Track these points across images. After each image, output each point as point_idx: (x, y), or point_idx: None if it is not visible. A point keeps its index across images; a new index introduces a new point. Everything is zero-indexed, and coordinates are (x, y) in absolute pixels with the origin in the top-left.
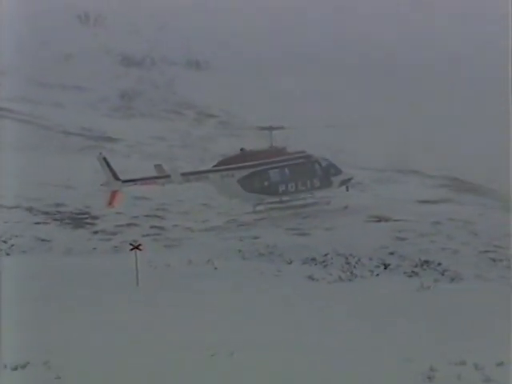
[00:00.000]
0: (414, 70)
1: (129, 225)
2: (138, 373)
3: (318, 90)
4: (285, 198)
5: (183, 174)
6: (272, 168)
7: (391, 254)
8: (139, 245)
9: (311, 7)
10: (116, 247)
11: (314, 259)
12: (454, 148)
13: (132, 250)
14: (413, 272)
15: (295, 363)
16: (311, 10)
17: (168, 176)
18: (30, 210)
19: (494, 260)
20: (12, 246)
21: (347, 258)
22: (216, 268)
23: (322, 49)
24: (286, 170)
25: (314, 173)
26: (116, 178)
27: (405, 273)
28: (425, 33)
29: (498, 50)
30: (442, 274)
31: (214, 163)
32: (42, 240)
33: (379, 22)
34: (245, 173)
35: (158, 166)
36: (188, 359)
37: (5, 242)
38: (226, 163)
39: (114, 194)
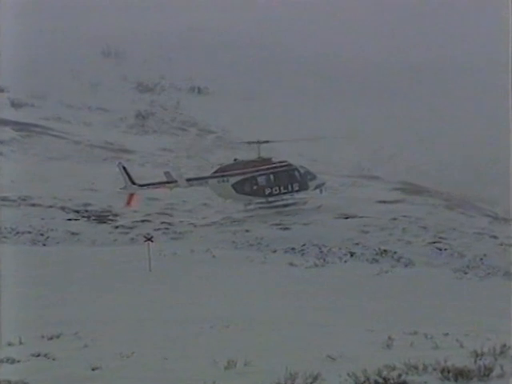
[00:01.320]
0: (388, 87)
1: (143, 221)
2: (150, 339)
3: (297, 108)
4: (270, 199)
5: (187, 180)
6: (260, 175)
7: (356, 244)
8: (151, 237)
9: (293, 42)
10: (133, 239)
11: (293, 249)
12: (409, 158)
13: (146, 241)
14: (374, 259)
15: (277, 333)
16: (295, 45)
17: (175, 181)
18: (63, 208)
19: (439, 249)
20: (47, 238)
21: (321, 248)
22: (214, 256)
23: (302, 74)
24: (271, 176)
25: (294, 178)
26: (133, 182)
27: (367, 260)
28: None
29: (487, 63)
30: (398, 261)
31: (213, 171)
32: (73, 233)
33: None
34: (237, 179)
35: (166, 173)
36: (191, 329)
37: (42, 234)
38: (222, 171)
39: (131, 196)
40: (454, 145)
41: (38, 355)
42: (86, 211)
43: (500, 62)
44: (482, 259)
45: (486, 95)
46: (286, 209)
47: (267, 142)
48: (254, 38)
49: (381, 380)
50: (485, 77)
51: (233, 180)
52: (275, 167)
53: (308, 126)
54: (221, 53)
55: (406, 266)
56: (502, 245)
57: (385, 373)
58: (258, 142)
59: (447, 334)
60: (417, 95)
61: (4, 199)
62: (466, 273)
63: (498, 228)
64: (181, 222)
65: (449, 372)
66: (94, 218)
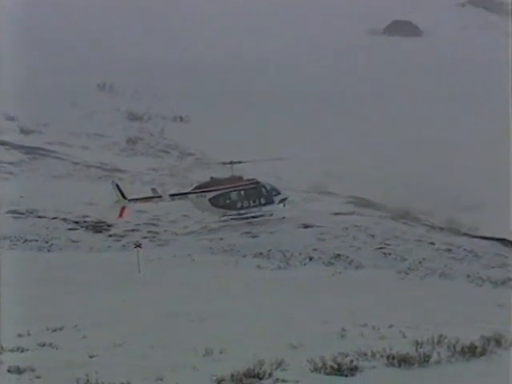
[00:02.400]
0: (350, 110)
1: (133, 230)
2: (139, 330)
3: (265, 133)
4: (241, 212)
5: (171, 195)
6: (232, 191)
7: (314, 250)
8: (140, 244)
9: (262, 73)
10: (124, 246)
11: (261, 254)
12: (360, 176)
13: (135, 247)
14: (329, 262)
15: (247, 325)
16: (264, 76)
17: (160, 196)
18: (64, 220)
19: (385, 254)
20: (51, 245)
21: (284, 253)
22: (193, 260)
23: (270, 102)
24: (242, 192)
25: (261, 194)
26: (124, 197)
27: (324, 263)
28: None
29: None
30: (350, 264)
31: (192, 187)
32: (73, 241)
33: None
34: (213, 194)
35: (153, 189)
36: (174, 322)
37: (46, 242)
38: (200, 187)
39: (122, 209)
40: (398, 164)
41: (44, 345)
42: (85, 222)
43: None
44: (421, 262)
45: (432, 115)
46: (255, 220)
47: (239, 162)
48: (228, 72)
49: (336, 365)
50: (432, 98)
51: (209, 195)
52: (245, 184)
53: (274, 147)
54: (200, 85)
55: (356, 268)
56: (438, 250)
57: (339, 359)
58: (231, 163)
59: (392, 326)
60: (371, 117)
61: (14, 212)
62: (407, 274)
63: (434, 235)
64: (165, 231)
65: (393, 358)
66: (91, 227)
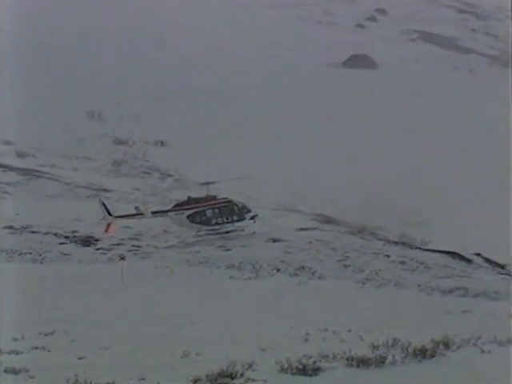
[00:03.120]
0: (314, 136)
1: (118, 244)
2: (123, 334)
3: (238, 155)
4: (215, 228)
5: (152, 212)
6: (208, 209)
7: (281, 261)
8: (124, 257)
9: (235, 97)
10: (110, 258)
11: (233, 265)
12: (322, 195)
13: (120, 260)
14: (295, 273)
15: (221, 329)
16: (237, 99)
17: (143, 213)
18: (56, 234)
19: (345, 266)
20: (44, 257)
21: (254, 265)
22: (172, 271)
23: (243, 126)
24: (216, 210)
25: (234, 211)
26: (110, 214)
27: (290, 273)
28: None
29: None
30: (313, 274)
31: (172, 205)
32: (64, 254)
33: None
34: (191, 212)
35: (136, 207)
36: (154, 327)
37: (40, 255)
38: (179, 205)
39: (108, 225)
40: (356, 185)
41: (37, 348)
42: (74, 237)
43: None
44: (377, 273)
45: (388, 139)
46: (228, 235)
47: (213, 183)
48: (202, 101)
49: (300, 366)
50: (388, 123)
51: (187, 213)
52: (219, 203)
53: (246, 169)
54: (178, 114)
55: (319, 278)
56: (392, 262)
57: (303, 361)
58: (207, 183)
59: (351, 331)
60: (332, 142)
61: (10, 228)
62: (365, 283)
63: (389, 249)
64: (147, 245)
65: (352, 360)
66: (80, 242)
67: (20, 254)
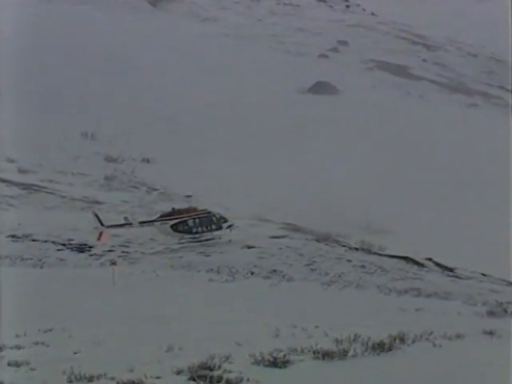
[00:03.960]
0: (284, 153)
1: (109, 251)
2: (115, 331)
3: (218, 171)
4: (196, 236)
5: (140, 222)
6: (189, 219)
7: (255, 266)
8: (115, 262)
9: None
10: (102, 263)
11: (212, 269)
12: (292, 207)
13: (111, 265)
14: (267, 276)
15: (201, 327)
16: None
17: (131, 223)
18: (54, 242)
19: (312, 269)
20: (44, 263)
21: (231, 269)
22: (158, 275)
23: (225, 141)
24: (197, 220)
25: (212, 221)
26: (102, 224)
27: (263, 276)
28: None
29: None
30: (283, 277)
31: (157, 216)
32: (61, 259)
33: None
34: (174, 221)
35: (125, 218)
36: (142, 324)
37: (40, 260)
38: (164, 216)
39: (101, 233)
40: (321, 198)
41: (37, 343)
42: (70, 244)
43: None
44: (340, 276)
45: (351, 156)
46: (207, 242)
47: (191, 196)
48: (184, 123)
49: (272, 359)
50: (350, 143)
51: (171, 222)
52: (200, 213)
53: (223, 183)
54: (163, 134)
55: (288, 280)
56: (354, 266)
57: (275, 354)
58: (188, 196)
59: (317, 327)
60: (301, 159)
61: (13, 236)
62: (329, 285)
63: (351, 254)
64: (135, 251)
65: (318, 353)
66: (75, 248)
67: (22, 260)
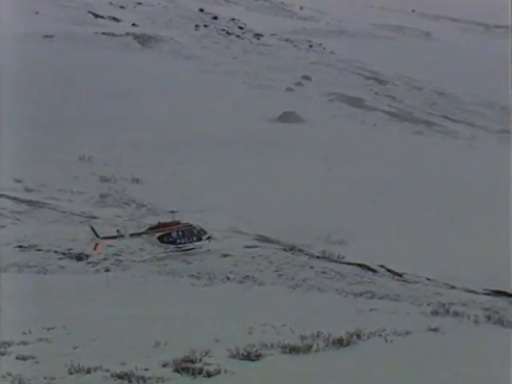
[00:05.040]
0: (258, 171)
1: (104, 259)
2: (109, 328)
3: (198, 190)
4: (179, 246)
5: (130, 234)
6: (173, 231)
7: (231, 272)
8: (109, 269)
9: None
10: (97, 270)
11: (193, 275)
12: (262, 220)
13: (105, 271)
14: (241, 281)
15: (183, 325)
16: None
17: (123, 235)
18: (55, 252)
19: (279, 275)
20: (47, 270)
21: (209, 275)
22: (146, 279)
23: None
24: (180, 232)
25: (193, 233)
26: (97, 236)
27: (237, 281)
28: None
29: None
30: (255, 282)
31: (146, 228)
32: (62, 267)
33: None
34: (160, 234)
35: (118, 230)
36: (132, 323)
37: (43, 267)
38: (151, 229)
39: (96, 244)
40: (285, 212)
41: (41, 340)
42: (70, 253)
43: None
44: (304, 280)
45: (311, 174)
46: (189, 252)
47: (177, 211)
48: (166, 149)
49: (246, 353)
50: (311, 162)
51: (157, 234)
52: (182, 227)
53: (204, 199)
54: (150, 159)
55: (259, 285)
56: (316, 272)
57: (248, 349)
58: (172, 211)
59: (285, 325)
60: (270, 177)
61: (20, 247)
62: (295, 289)
63: (313, 262)
64: (126, 259)
65: (286, 348)
66: (74, 257)
67: (28, 267)
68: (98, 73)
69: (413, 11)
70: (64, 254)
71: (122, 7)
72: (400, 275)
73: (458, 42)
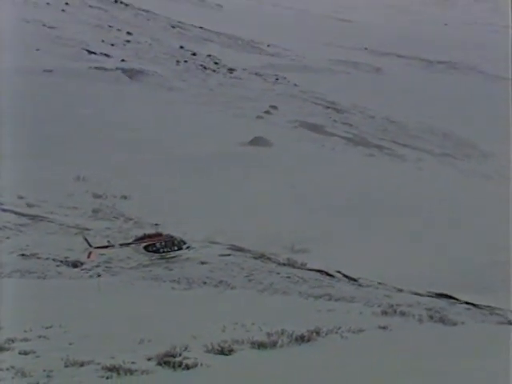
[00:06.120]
0: (231, 187)
1: (96, 266)
2: (100, 327)
3: (177, 206)
4: (162, 255)
5: (120, 244)
6: (157, 242)
7: (207, 277)
8: (100, 275)
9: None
10: (91, 276)
11: (174, 280)
12: (235, 232)
13: (97, 277)
14: (216, 285)
15: (165, 324)
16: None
17: (113, 245)
18: (54, 260)
19: (250, 280)
20: (46, 275)
21: (188, 280)
22: (133, 284)
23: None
24: (163, 242)
25: (174, 243)
26: (90, 245)
27: (213, 285)
28: None
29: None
30: (228, 286)
31: (132, 239)
32: (59, 273)
33: None
34: (145, 244)
35: (108, 241)
36: (119, 322)
37: (43, 273)
38: (137, 239)
39: (89, 253)
40: (256, 225)
41: (40, 337)
42: (66, 261)
43: None
44: (271, 285)
45: (280, 196)
46: (171, 260)
47: (159, 224)
48: (156, 169)
49: (220, 348)
50: (279, 184)
51: (143, 244)
52: (165, 237)
53: (183, 213)
54: (137, 179)
55: (232, 288)
56: (282, 277)
57: (222, 344)
58: (156, 224)
59: (254, 324)
60: (241, 195)
61: (23, 255)
62: (263, 292)
63: (279, 269)
64: (116, 266)
65: (254, 344)
66: (70, 264)
67: (29, 273)
68: (92, 102)
69: (365, 49)
70: (61, 261)
71: (112, 45)
72: (355, 280)
73: (404, 76)
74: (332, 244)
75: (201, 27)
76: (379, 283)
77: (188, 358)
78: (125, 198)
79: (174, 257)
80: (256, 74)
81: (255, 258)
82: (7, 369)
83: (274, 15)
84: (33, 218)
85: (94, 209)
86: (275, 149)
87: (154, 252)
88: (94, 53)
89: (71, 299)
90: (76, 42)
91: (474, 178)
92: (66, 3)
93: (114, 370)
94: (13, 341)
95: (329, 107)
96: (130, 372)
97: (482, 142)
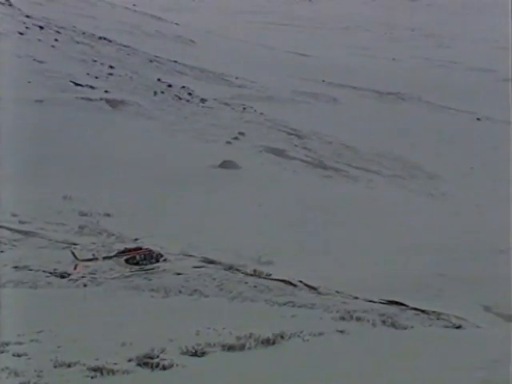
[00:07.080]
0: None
1: (82, 277)
2: (88, 331)
3: (154, 223)
4: (142, 267)
5: (103, 257)
6: (137, 255)
7: (182, 287)
8: (86, 284)
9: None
10: (77, 285)
11: (153, 289)
12: (207, 246)
13: (83, 286)
14: (190, 294)
15: (145, 328)
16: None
17: (97, 258)
18: (44, 271)
19: (221, 289)
20: (37, 285)
21: (165, 289)
22: (115, 293)
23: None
24: (142, 256)
25: (153, 256)
26: (77, 258)
27: (188, 294)
28: None
29: None
30: (201, 294)
31: (115, 253)
32: (49, 283)
33: None
34: (127, 257)
35: (93, 254)
36: (104, 326)
37: (34, 283)
38: (120, 253)
39: (76, 265)
40: (227, 240)
41: (32, 340)
42: (55, 272)
43: None
44: (240, 293)
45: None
46: (149, 271)
47: (139, 239)
48: (137, 190)
49: (194, 351)
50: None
51: (124, 257)
52: (144, 251)
53: (161, 229)
54: (120, 199)
55: (205, 297)
56: (250, 286)
57: (195, 347)
58: (136, 239)
59: (224, 328)
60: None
61: (16, 267)
62: (232, 300)
63: (247, 279)
64: (100, 277)
65: (225, 346)
66: (59, 275)
67: (22, 283)
68: (78, 129)
69: (323, 81)
70: (50, 273)
71: (96, 77)
72: (315, 288)
73: (358, 106)
74: (294, 256)
75: (175, 61)
76: (337, 291)
77: (165, 360)
78: (108, 215)
79: (152, 268)
80: (225, 103)
81: (225, 270)
82: (2, 369)
83: (243, 50)
84: (25, 233)
85: (80, 225)
86: (243, 171)
87: (135, 264)
88: (80, 85)
89: (60, 307)
90: (64, 75)
91: (420, 197)
92: (56, 39)
93: (98, 370)
94: (7, 344)
95: (291, 134)
96: (113, 372)
97: (428, 165)
